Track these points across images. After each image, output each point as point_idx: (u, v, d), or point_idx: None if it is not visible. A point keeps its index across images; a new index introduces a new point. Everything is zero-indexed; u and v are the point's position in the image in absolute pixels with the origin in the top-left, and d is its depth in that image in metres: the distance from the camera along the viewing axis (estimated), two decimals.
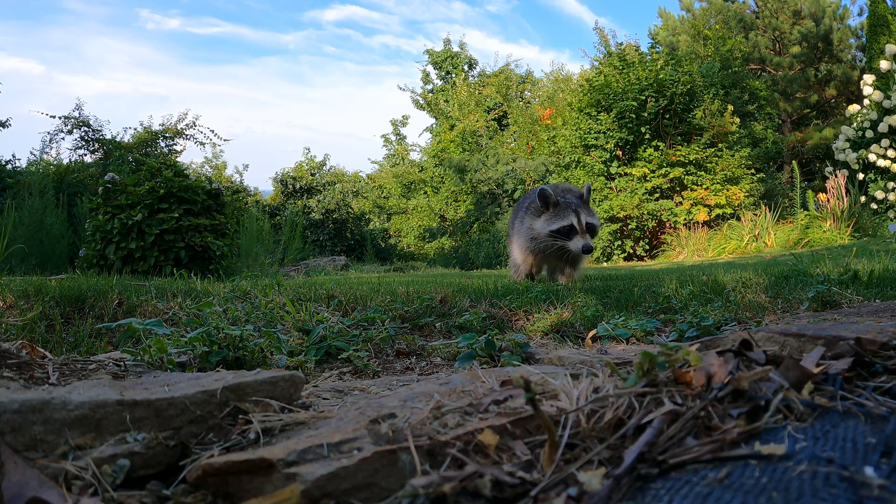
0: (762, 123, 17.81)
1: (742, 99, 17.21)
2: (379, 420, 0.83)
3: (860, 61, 18.91)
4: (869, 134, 11.60)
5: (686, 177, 13.35)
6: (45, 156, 12.39)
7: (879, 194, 11.16)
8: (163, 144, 14.02)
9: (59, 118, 12.50)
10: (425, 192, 20.68)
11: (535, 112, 19.95)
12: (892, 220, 10.67)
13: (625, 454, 0.67)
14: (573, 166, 14.58)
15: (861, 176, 11.55)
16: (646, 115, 13.52)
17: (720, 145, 13.81)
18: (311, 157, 21.18)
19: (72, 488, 0.74)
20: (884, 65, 11.59)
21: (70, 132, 12.59)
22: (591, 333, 2.27)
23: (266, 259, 8.17)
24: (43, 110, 20.18)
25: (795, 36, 19.50)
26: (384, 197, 21.88)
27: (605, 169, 13.96)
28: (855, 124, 12.07)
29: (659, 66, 13.96)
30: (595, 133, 13.95)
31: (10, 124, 12.05)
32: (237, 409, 0.95)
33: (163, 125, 14.04)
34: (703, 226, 12.69)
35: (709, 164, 13.54)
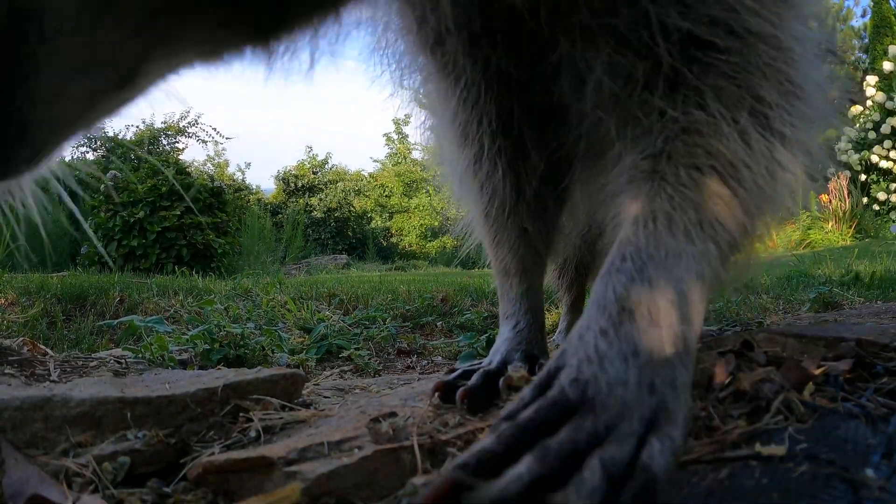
0: None
1: None
2: (380, 419, 0.83)
3: (863, 63, 18.88)
4: (871, 135, 11.57)
5: None
6: None
7: (881, 196, 11.14)
8: (165, 142, 14.03)
9: None
10: (427, 191, 20.66)
11: None
12: (894, 221, 10.65)
13: None
14: None
15: (863, 177, 11.53)
16: None
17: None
18: (312, 155, 21.17)
19: (72, 485, 0.74)
20: (887, 66, 11.57)
21: None
22: None
23: (268, 257, 8.16)
24: None
25: None
26: (386, 195, 21.85)
27: None
28: (857, 125, 12.04)
29: None
30: None
31: None
32: (238, 406, 0.95)
33: (165, 123, 14.05)
34: None
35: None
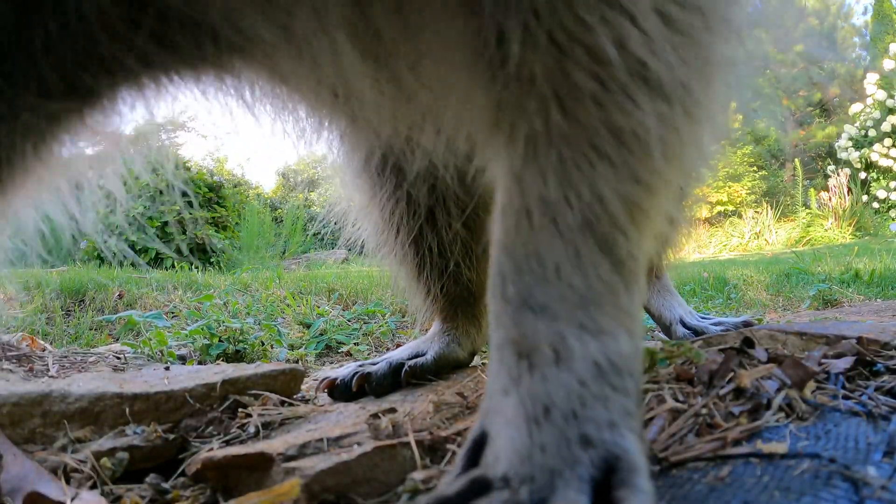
0: (764, 121, 17.76)
1: (744, 96, 17.13)
2: (379, 414, 0.83)
3: (864, 60, 18.85)
4: (872, 133, 11.57)
5: None
6: None
7: (881, 193, 11.14)
8: (164, 137, 14.00)
9: None
10: None
11: None
12: (893, 219, 10.65)
13: None
14: None
15: (863, 175, 11.53)
16: None
17: (722, 142, 13.74)
18: (312, 150, 21.13)
19: (71, 481, 0.73)
20: (888, 64, 11.55)
21: None
22: None
23: (267, 252, 8.15)
24: None
25: (799, 33, 19.45)
26: None
27: None
28: (858, 123, 12.03)
29: None
30: None
31: None
32: (237, 402, 0.94)
33: (164, 118, 14.03)
34: (704, 223, 12.66)
35: (710, 161, 13.48)
